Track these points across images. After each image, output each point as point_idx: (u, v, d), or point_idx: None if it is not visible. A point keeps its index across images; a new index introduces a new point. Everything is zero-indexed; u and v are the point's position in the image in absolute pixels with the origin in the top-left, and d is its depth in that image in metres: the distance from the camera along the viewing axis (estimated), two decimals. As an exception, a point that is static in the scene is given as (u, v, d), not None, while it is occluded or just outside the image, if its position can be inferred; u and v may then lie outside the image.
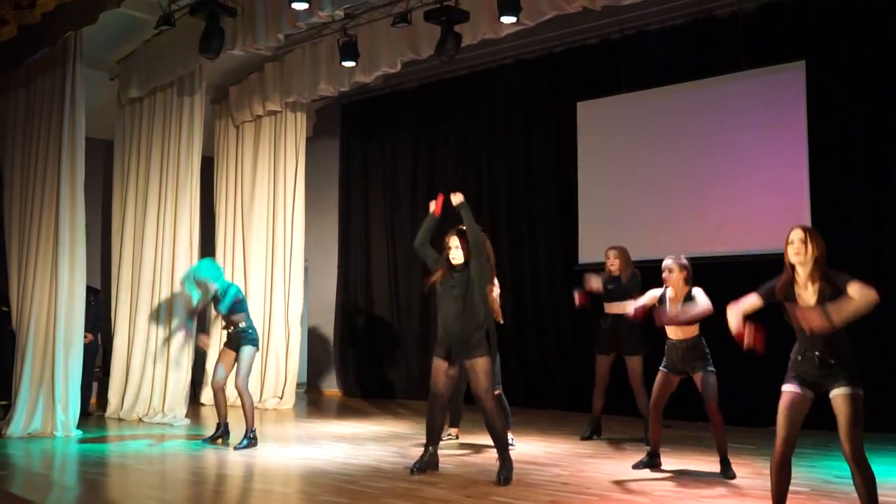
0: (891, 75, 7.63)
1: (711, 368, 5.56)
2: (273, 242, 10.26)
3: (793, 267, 3.94)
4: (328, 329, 11.65)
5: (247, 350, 6.93)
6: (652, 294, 5.77)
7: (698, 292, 5.56)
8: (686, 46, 8.74)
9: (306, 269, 11.14)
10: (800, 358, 3.90)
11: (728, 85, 8.44)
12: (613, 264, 7.19)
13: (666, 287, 5.70)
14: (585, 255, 9.24)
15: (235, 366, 6.98)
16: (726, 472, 5.48)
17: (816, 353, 3.84)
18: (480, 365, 5.37)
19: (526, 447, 6.80)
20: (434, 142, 10.74)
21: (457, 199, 5.57)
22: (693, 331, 5.56)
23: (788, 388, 3.91)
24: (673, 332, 5.61)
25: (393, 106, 11.05)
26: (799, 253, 3.90)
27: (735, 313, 4.04)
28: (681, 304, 5.55)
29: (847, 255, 7.19)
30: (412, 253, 10.42)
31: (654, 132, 8.91)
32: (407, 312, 10.68)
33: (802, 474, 5.50)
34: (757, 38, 8.31)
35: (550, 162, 9.74)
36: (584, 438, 7.18)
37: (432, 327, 8.57)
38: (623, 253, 7.26)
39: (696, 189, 8.61)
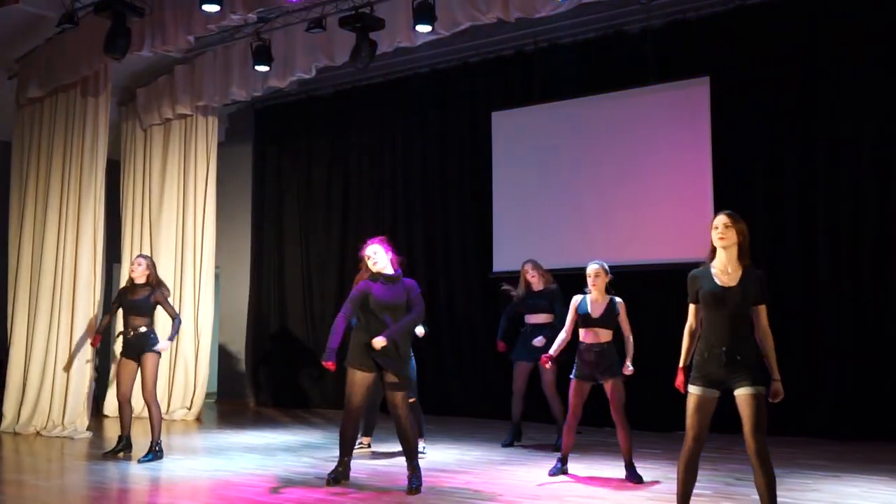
0: (789, 90, 7.98)
1: (621, 375, 5.68)
2: (182, 249, 10.00)
3: (714, 252, 4.07)
4: (240, 337, 11.43)
5: (152, 357, 6.63)
6: (573, 303, 5.86)
7: (622, 307, 5.75)
8: (597, 60, 8.96)
9: (217, 277, 10.93)
10: (706, 355, 3.97)
11: (637, 98, 8.69)
12: (534, 277, 7.35)
13: (588, 292, 5.81)
14: (500, 263, 9.35)
15: (140, 374, 6.69)
16: (632, 477, 5.60)
17: (723, 348, 3.93)
18: (402, 372, 5.39)
19: (439, 455, 6.82)
20: (349, 149, 10.71)
21: (378, 343, 5.31)
22: (607, 336, 5.71)
23: (695, 391, 4.00)
24: (587, 336, 5.72)
25: (308, 112, 10.96)
26: (723, 237, 4.02)
27: (687, 344, 4.16)
28: (602, 306, 5.66)
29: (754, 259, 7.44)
30: (326, 261, 10.87)
31: (567, 143, 9.10)
32: (321, 321, 10.55)
33: (705, 476, 5.67)
34: (664, 53, 8.59)
35: (465, 171, 9.82)
36: (504, 445, 7.25)
37: (347, 337, 8.46)
38: (540, 266, 7.47)
39: (607, 199, 8.81)
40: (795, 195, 7.93)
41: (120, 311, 7.05)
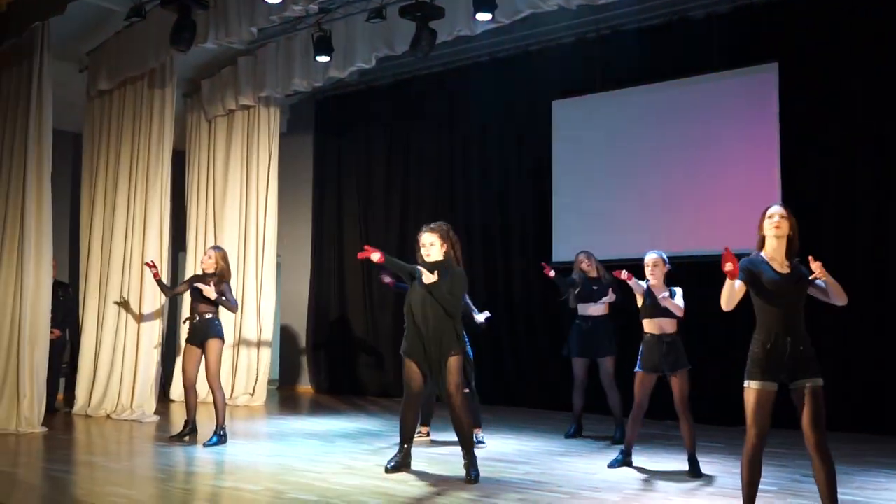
0: (863, 78, 7.73)
1: (687, 367, 5.57)
2: (245, 238, 10.19)
3: (763, 241, 4.03)
4: (301, 325, 11.60)
5: (215, 343, 6.76)
6: (640, 283, 5.81)
7: (678, 291, 5.68)
8: (661, 47, 8.79)
9: (279, 265, 11.06)
10: (768, 346, 3.91)
11: (702, 86, 8.53)
12: (590, 266, 7.32)
13: (648, 280, 5.77)
14: (559, 254, 9.29)
15: (203, 360, 6.83)
16: (694, 471, 5.51)
17: (788, 339, 3.89)
18: (452, 362, 5.36)
19: (499, 445, 6.82)
20: (409, 139, 10.72)
21: (375, 256, 5.33)
22: (673, 327, 5.63)
23: (756, 385, 3.93)
24: (653, 328, 5.64)
25: (368, 102, 11.00)
26: (779, 226, 3.97)
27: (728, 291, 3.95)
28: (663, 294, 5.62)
29: (816, 256, 7.22)
30: (387, 250, 10.66)
31: (629, 132, 8.97)
32: (381, 310, 10.66)
33: (771, 473, 5.56)
34: (730, 39, 8.39)
35: (525, 160, 9.75)
36: (567, 436, 7.22)
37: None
38: (594, 258, 7.44)
39: (670, 189, 8.67)
40: (868, 192, 7.66)
41: (189, 300, 7.21)
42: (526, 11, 7.40)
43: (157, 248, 8.72)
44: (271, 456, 6.39)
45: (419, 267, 5.41)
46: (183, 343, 7.40)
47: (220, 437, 6.77)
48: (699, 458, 5.65)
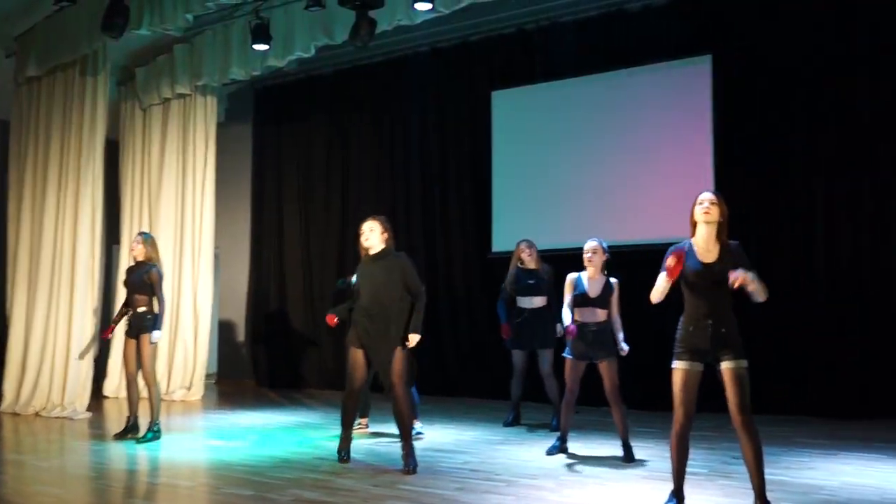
0: (794, 70, 7.93)
1: (616, 355, 5.66)
2: (182, 229, 10.00)
3: (695, 226, 4.16)
4: (239, 318, 11.48)
5: (149, 337, 6.62)
6: (569, 281, 5.78)
7: (616, 287, 5.73)
8: (598, 38, 8.90)
9: (217, 257, 10.92)
10: (691, 328, 4.06)
11: (638, 77, 8.65)
12: (530, 257, 7.26)
13: (585, 269, 5.79)
14: (499, 243, 9.34)
15: (138, 355, 6.69)
16: (628, 456, 5.62)
17: (709, 321, 4.02)
18: (398, 354, 5.42)
19: (437, 435, 6.84)
20: (349, 129, 10.66)
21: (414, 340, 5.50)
22: (604, 315, 5.69)
23: (681, 365, 4.07)
24: (584, 316, 5.68)
25: (308, 92, 10.91)
26: (708, 212, 4.10)
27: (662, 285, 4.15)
28: (599, 285, 5.64)
29: (744, 247, 7.40)
30: (326, 241, 10.80)
31: (567, 122, 9.07)
32: (321, 301, 10.56)
33: (701, 455, 5.70)
34: (667, 31, 8.52)
35: (465, 150, 9.77)
36: (506, 424, 7.29)
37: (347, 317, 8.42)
38: (534, 247, 7.39)
39: (606, 178, 8.80)
40: (798, 178, 7.89)
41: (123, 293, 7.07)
42: (465, 1, 7.41)
43: (90, 239, 8.51)
44: (208, 451, 6.31)
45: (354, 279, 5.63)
46: (120, 336, 7.25)
47: (154, 433, 6.64)
48: (632, 444, 5.76)
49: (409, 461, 5.37)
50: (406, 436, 5.42)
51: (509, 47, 9.46)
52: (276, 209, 11.16)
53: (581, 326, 5.67)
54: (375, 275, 5.42)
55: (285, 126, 11.16)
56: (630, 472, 5.32)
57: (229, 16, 8.98)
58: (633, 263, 7.81)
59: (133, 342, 6.71)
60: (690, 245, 4.16)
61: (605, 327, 5.69)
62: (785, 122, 7.98)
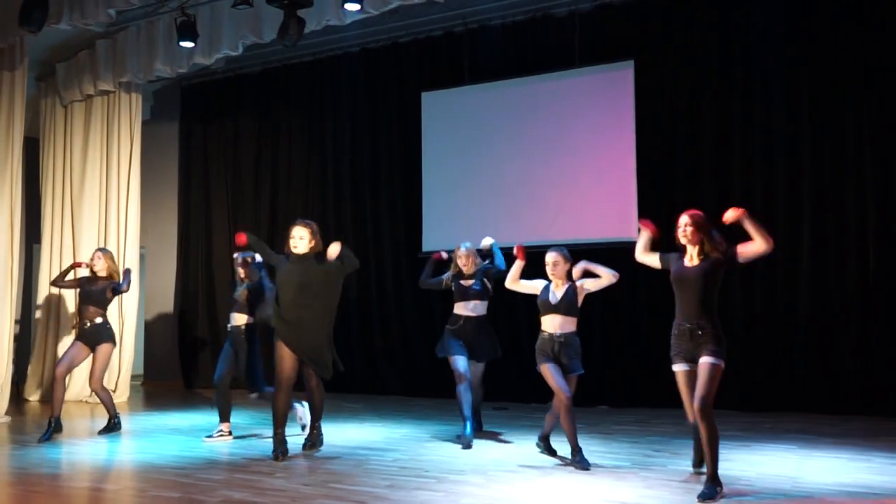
0: (710, 75, 8.20)
1: (580, 372, 5.43)
2: (106, 229, 9.75)
3: (684, 247, 4.61)
4: (167, 319, 11.25)
5: (106, 349, 6.77)
6: (538, 283, 5.48)
7: (580, 290, 5.40)
8: (526, 42, 9.02)
9: (143, 257, 10.71)
10: (676, 332, 4.53)
11: (564, 81, 8.80)
12: (466, 263, 6.57)
13: (550, 280, 5.46)
14: (429, 243, 9.38)
15: (91, 363, 6.82)
16: (581, 462, 5.25)
17: (688, 325, 4.45)
18: (326, 356, 5.73)
19: (367, 433, 6.85)
20: (278, 128, 10.55)
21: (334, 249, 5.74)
22: (571, 325, 5.41)
23: (678, 368, 4.58)
24: (550, 326, 5.38)
25: (236, 90, 10.76)
26: (685, 235, 4.56)
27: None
28: (561, 292, 5.34)
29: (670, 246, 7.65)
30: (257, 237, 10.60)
31: (496, 124, 9.16)
32: None
33: (624, 449, 5.86)
34: (592, 37, 8.69)
35: (395, 150, 9.78)
36: (464, 446, 6.23)
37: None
38: (473, 253, 6.69)
39: (534, 179, 8.90)
40: (713, 178, 8.15)
41: (76, 300, 7.31)
42: (394, 3, 7.43)
43: (8, 239, 8.20)
44: (133, 453, 6.18)
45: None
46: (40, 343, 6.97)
47: (114, 425, 6.89)
48: (555, 439, 5.73)
49: (320, 438, 6.05)
50: (319, 418, 6.04)
51: (438, 49, 9.51)
52: (204, 209, 10.98)
53: (548, 337, 5.32)
54: (298, 275, 5.56)
55: (213, 124, 10.98)
56: (557, 468, 5.42)
57: (154, 12, 8.79)
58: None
59: (85, 348, 6.79)
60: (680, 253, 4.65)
61: (573, 338, 5.36)
62: (701, 123, 8.22)
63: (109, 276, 6.86)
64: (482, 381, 6.78)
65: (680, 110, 8.31)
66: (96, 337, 6.72)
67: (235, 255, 6.71)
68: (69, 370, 6.90)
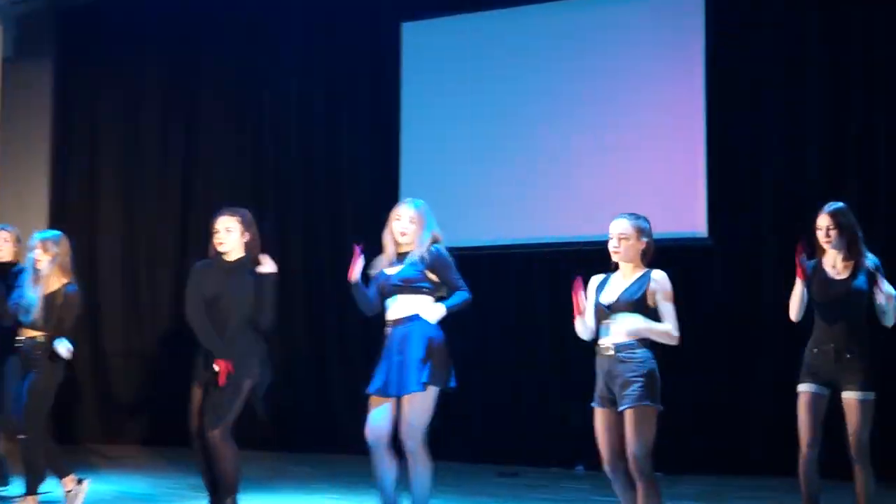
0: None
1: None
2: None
3: (821, 249, 4.20)
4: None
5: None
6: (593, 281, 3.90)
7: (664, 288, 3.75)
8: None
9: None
10: (815, 350, 4.13)
11: (600, 6, 7.16)
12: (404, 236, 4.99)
13: (613, 268, 3.85)
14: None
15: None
16: None
17: (832, 345, 4.07)
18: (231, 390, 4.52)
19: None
20: (199, 72, 8.67)
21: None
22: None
23: (803, 388, 4.12)
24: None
25: (136, 15, 8.78)
26: (829, 240, 4.13)
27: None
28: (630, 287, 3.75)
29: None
30: (161, 234, 8.61)
31: (505, 68, 7.46)
32: (152, 307, 8.55)
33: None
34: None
35: (364, 99, 7.96)
36: None
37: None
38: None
39: (561, 150, 7.12)
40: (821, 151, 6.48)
41: None
42: None
43: None
44: None
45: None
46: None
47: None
48: None
49: None
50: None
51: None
52: (88, 180, 8.90)
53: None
54: (222, 288, 4.52)
55: (103, 64, 8.88)
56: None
57: None
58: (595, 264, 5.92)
59: None
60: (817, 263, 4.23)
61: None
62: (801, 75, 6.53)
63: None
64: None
65: (770, 52, 6.59)
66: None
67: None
68: None
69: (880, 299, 3.95)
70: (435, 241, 4.06)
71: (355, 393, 6.57)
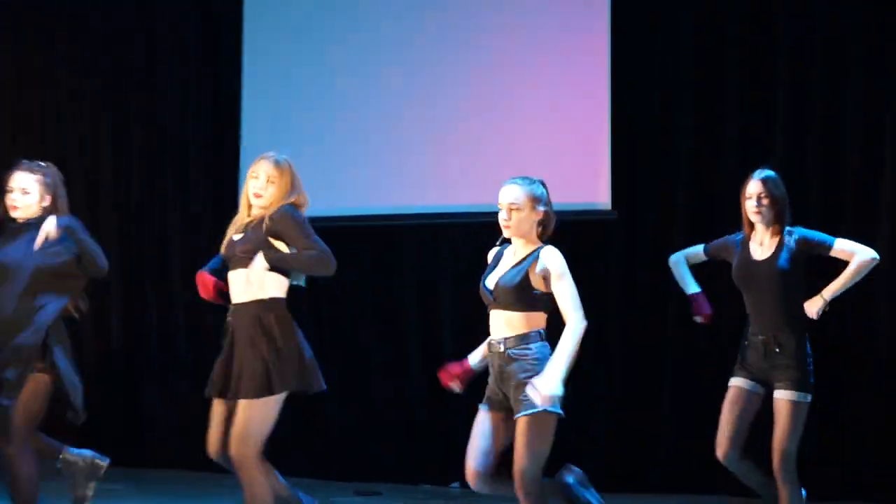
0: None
1: None
2: None
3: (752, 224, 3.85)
4: None
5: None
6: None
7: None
8: None
9: None
10: (745, 343, 3.77)
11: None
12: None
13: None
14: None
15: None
16: None
17: (760, 337, 3.67)
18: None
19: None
20: None
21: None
22: None
23: (732, 382, 3.74)
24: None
25: None
26: (758, 212, 3.73)
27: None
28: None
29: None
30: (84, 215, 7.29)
31: (376, 11, 6.39)
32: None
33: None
34: None
35: (196, 54, 6.74)
36: None
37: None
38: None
39: (446, 111, 6.23)
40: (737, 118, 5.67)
41: None
42: None
43: None
44: None
45: None
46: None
47: None
48: None
49: None
50: None
51: None
52: None
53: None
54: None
55: None
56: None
57: None
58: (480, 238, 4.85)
59: None
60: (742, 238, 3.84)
61: None
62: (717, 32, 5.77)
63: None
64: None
65: (680, 8, 5.75)
66: None
67: None
68: None
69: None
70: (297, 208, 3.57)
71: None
